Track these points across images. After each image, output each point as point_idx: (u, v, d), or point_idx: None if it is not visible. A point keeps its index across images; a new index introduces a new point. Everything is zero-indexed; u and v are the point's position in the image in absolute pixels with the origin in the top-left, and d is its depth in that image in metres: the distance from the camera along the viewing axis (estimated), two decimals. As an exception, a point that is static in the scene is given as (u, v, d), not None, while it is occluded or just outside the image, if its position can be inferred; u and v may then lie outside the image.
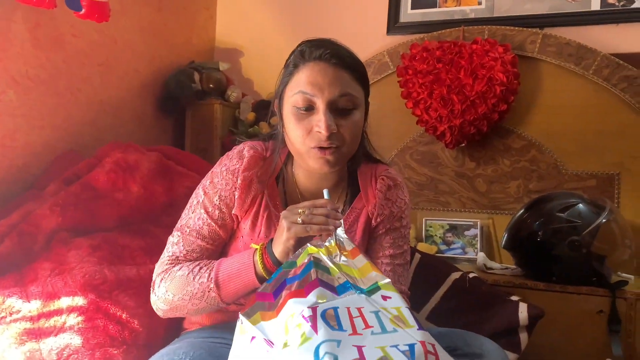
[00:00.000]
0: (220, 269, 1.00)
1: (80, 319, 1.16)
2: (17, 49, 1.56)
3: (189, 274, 1.01)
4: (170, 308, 1.03)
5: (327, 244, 0.89)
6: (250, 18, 2.52)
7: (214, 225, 1.07)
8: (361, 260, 0.87)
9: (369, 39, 2.28)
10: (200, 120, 2.27)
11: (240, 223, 1.09)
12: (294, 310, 0.76)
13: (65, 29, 1.73)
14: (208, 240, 1.07)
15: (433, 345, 0.74)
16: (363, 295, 0.80)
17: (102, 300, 1.19)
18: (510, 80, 1.91)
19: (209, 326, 1.13)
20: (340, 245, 0.89)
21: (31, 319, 1.16)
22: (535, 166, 2.03)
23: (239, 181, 1.06)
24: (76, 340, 1.13)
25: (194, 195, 1.11)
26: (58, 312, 1.17)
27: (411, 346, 0.72)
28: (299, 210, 0.92)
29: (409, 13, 2.26)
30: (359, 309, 0.77)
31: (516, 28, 2.04)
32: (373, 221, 1.13)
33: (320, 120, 0.98)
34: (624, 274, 1.72)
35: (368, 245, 1.15)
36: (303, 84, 1.00)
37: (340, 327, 0.73)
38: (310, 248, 0.88)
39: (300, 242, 0.91)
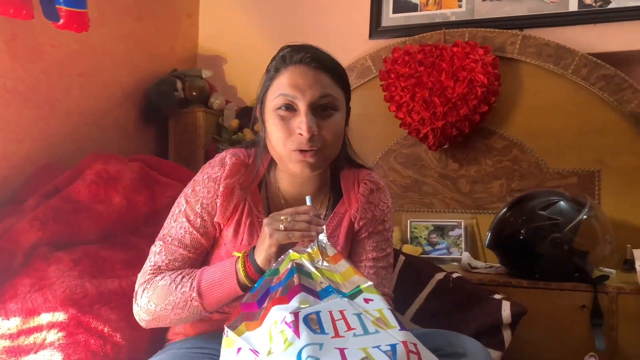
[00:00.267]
0: (203, 278, 0.99)
1: (60, 334, 1.14)
2: (-7, 61, 1.55)
3: (171, 283, 1.01)
4: (152, 318, 1.03)
5: (309, 250, 0.89)
6: (233, 25, 2.52)
7: (196, 233, 1.07)
8: (343, 265, 0.87)
9: (351, 44, 2.29)
10: (183, 129, 2.26)
11: (223, 231, 1.09)
12: (277, 318, 0.76)
13: (44, 39, 1.72)
14: (190, 249, 1.07)
15: (415, 345, 0.75)
16: (345, 298, 0.81)
17: (83, 314, 1.17)
18: (491, 81, 1.93)
19: (192, 336, 1.13)
20: (322, 251, 0.89)
21: (10, 336, 1.15)
22: (517, 165, 2.05)
23: (221, 189, 1.06)
24: (57, 357, 1.12)
25: (176, 203, 1.11)
26: (38, 328, 1.15)
27: (393, 346, 0.72)
28: (282, 217, 0.92)
29: (390, 17, 2.27)
30: (341, 312, 0.77)
31: (496, 30, 2.06)
32: (356, 225, 1.14)
33: (301, 122, 0.98)
34: (605, 269, 1.74)
35: (351, 249, 1.16)
36: (284, 87, 1.00)
37: (322, 331, 0.74)
38: (292, 254, 0.88)
39: (282, 249, 0.92)
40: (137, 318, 1.06)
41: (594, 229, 1.63)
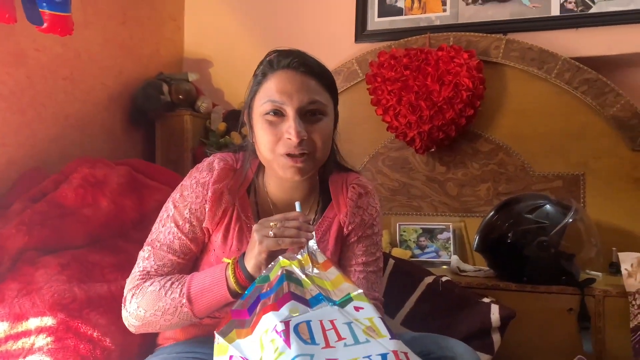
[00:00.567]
0: (192, 284, 0.99)
1: (49, 339, 1.13)
2: (-23, 65, 1.52)
3: (160, 289, 1.00)
4: (142, 324, 1.02)
5: (299, 256, 0.89)
6: (219, 28, 2.52)
7: (184, 239, 1.06)
8: (333, 272, 0.87)
9: (337, 48, 2.30)
10: (170, 132, 2.24)
11: (212, 236, 1.09)
12: (268, 326, 0.76)
13: (27, 43, 1.70)
14: (179, 255, 1.06)
15: (405, 354, 0.75)
16: (336, 306, 0.80)
17: (72, 319, 1.16)
18: (476, 85, 1.95)
19: (182, 341, 1.12)
20: (312, 257, 0.89)
21: (-2, 342, 1.13)
22: (504, 169, 2.07)
23: (209, 194, 1.05)
24: (46, 362, 1.11)
25: (164, 208, 1.10)
26: (26, 333, 1.14)
27: (384, 356, 0.73)
28: (271, 224, 0.92)
29: (376, 21, 2.29)
30: (331, 322, 0.77)
31: (480, 34, 2.09)
32: (345, 229, 1.14)
33: (290, 127, 0.98)
34: (591, 272, 1.76)
35: (341, 254, 1.16)
36: (272, 92, 1.00)
37: (313, 341, 0.74)
38: (282, 261, 0.88)
39: (272, 256, 0.91)
40: (126, 324, 1.05)
41: (579, 232, 1.65)
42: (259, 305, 0.81)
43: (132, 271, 1.07)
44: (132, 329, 1.05)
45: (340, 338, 0.75)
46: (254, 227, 0.94)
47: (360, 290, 0.84)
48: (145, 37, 2.31)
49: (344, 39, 2.30)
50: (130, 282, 1.05)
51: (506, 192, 2.04)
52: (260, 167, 1.13)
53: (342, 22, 2.31)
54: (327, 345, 0.74)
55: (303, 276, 0.85)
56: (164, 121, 2.25)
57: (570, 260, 1.65)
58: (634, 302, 1.53)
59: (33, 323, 1.15)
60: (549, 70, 2.00)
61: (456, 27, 2.15)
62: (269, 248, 0.91)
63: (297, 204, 0.98)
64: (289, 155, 1.00)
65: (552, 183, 2.02)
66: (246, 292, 0.86)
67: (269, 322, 0.76)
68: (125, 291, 1.05)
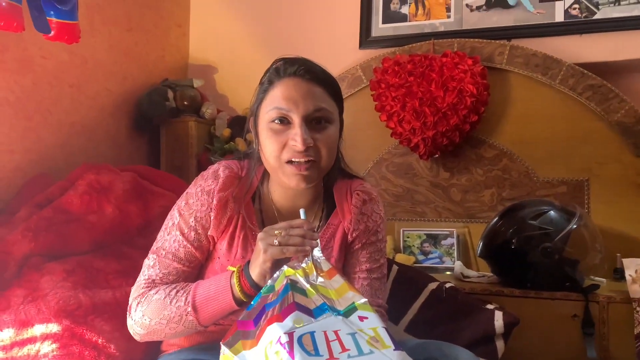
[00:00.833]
0: (197, 293, 0.99)
1: (54, 346, 1.14)
2: (-16, 72, 1.54)
3: (165, 297, 1.00)
4: (147, 332, 1.02)
5: (303, 265, 0.89)
6: (224, 34, 2.53)
7: (190, 247, 1.06)
8: (338, 280, 0.87)
9: (342, 54, 2.31)
10: (175, 138, 2.26)
11: (217, 244, 1.09)
12: (272, 337, 0.76)
13: (34, 50, 1.71)
14: (184, 263, 1.06)
15: None
16: (340, 316, 0.80)
17: (77, 325, 1.17)
18: (480, 91, 1.95)
19: (187, 348, 1.12)
20: (317, 266, 0.89)
21: (4, 348, 1.14)
22: (508, 174, 2.07)
23: (215, 202, 1.06)
24: (51, 369, 1.11)
25: (169, 216, 1.10)
26: (32, 340, 1.15)
27: None
28: (276, 232, 0.92)
29: (380, 27, 2.29)
30: (335, 332, 0.77)
31: (484, 40, 2.09)
32: (349, 236, 1.14)
33: (296, 134, 0.98)
34: (596, 278, 1.76)
35: (345, 261, 1.16)
36: (278, 99, 1.01)
37: (317, 352, 0.74)
38: (287, 270, 0.88)
39: (277, 264, 0.91)
40: (131, 332, 1.05)
41: (583, 238, 1.65)
42: (264, 315, 0.82)
43: (137, 279, 1.07)
44: (137, 338, 1.05)
45: (344, 349, 0.75)
46: (259, 235, 0.94)
47: (365, 300, 0.84)
48: (150, 43, 2.32)
49: (348, 45, 2.31)
50: (135, 291, 1.05)
51: (510, 198, 2.04)
52: (265, 174, 1.13)
53: (346, 28, 2.32)
54: (331, 356, 0.74)
55: (307, 285, 0.85)
56: (169, 127, 2.26)
57: (574, 267, 1.64)
58: (638, 309, 1.52)
59: (38, 330, 1.16)
60: (553, 76, 2.00)
61: (460, 33, 2.16)
62: (273, 256, 0.91)
63: (301, 212, 0.98)
64: (294, 162, 1.00)
65: (556, 189, 2.01)
66: (252, 303, 0.86)
67: (274, 334, 0.76)
68: (130, 299, 1.05)
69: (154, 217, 1.58)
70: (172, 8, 2.47)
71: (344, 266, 1.16)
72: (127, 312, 1.05)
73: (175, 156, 2.25)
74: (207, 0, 2.57)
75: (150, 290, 1.03)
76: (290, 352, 0.73)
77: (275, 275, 0.89)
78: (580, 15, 2.04)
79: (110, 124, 2.09)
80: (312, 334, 0.76)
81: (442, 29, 2.20)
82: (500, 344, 1.44)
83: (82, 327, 1.18)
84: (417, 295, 1.54)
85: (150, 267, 1.06)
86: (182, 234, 1.06)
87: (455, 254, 2.07)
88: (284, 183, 1.04)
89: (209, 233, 1.07)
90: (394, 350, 0.76)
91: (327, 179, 1.15)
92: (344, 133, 1.15)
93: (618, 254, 1.82)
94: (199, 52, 2.58)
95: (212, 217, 1.06)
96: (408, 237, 2.13)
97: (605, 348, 1.57)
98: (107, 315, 1.23)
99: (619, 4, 1.99)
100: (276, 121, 1.01)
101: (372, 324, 0.80)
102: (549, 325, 1.61)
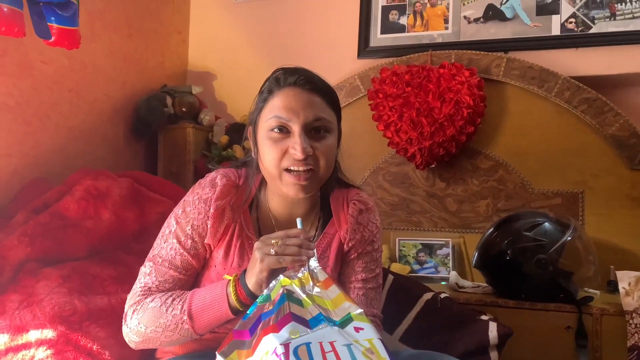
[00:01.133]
0: (193, 301, 0.99)
1: (49, 352, 1.14)
2: (-16, 76, 1.54)
3: (161, 305, 1.00)
4: (142, 340, 1.02)
5: (300, 274, 0.89)
6: (223, 41, 2.54)
7: (186, 255, 1.06)
8: (334, 290, 0.88)
9: (340, 63, 2.32)
10: (173, 145, 2.26)
11: (213, 252, 1.09)
12: (268, 348, 0.76)
13: (34, 55, 1.72)
14: (181, 271, 1.07)
15: None
16: (336, 327, 0.81)
17: (72, 332, 1.17)
18: (476, 103, 1.97)
19: (181, 355, 1.12)
20: (313, 275, 0.89)
21: (-2, 354, 1.14)
22: (503, 185, 2.09)
23: (212, 210, 1.06)
24: (45, 375, 1.11)
25: (165, 224, 1.11)
26: (26, 345, 1.15)
27: None
28: (272, 241, 0.92)
29: (378, 37, 2.31)
30: (331, 343, 0.77)
31: (482, 52, 2.11)
32: (345, 246, 1.14)
33: (296, 143, 0.99)
34: (589, 290, 1.76)
35: (341, 270, 1.16)
36: (278, 108, 1.02)
37: None
38: (283, 280, 0.88)
39: (273, 274, 0.92)
40: (126, 339, 1.05)
41: (578, 250, 1.66)
42: (260, 325, 0.82)
43: (133, 287, 1.07)
44: (132, 345, 1.05)
45: None
46: (256, 244, 0.94)
47: (361, 310, 0.84)
48: (150, 49, 2.33)
49: (346, 55, 2.33)
50: (131, 298, 1.05)
51: (505, 209, 2.05)
52: (263, 183, 1.13)
53: (345, 38, 2.34)
54: None
55: (304, 295, 0.85)
56: (167, 133, 2.27)
57: (568, 278, 1.65)
58: (631, 321, 1.53)
59: (33, 335, 1.16)
60: (549, 89, 2.02)
61: (458, 45, 2.18)
62: (270, 266, 0.91)
63: (298, 221, 0.99)
64: (293, 171, 1.01)
65: (551, 200, 2.03)
66: (248, 312, 0.87)
67: (269, 344, 0.76)
68: (126, 307, 1.05)
69: (150, 223, 1.58)
70: (172, 15, 2.48)
71: (340, 276, 1.16)
72: (123, 320, 1.05)
73: (172, 162, 2.25)
74: (207, 7, 2.59)
75: (146, 298, 1.03)
76: None
77: (271, 285, 0.89)
78: (576, 29, 2.06)
79: (108, 129, 2.10)
80: (307, 345, 0.76)
81: (439, 40, 2.23)
82: (494, 355, 1.44)
83: (77, 333, 1.18)
84: (412, 305, 1.55)
85: (146, 274, 1.06)
86: (179, 241, 1.06)
87: (450, 264, 2.08)
88: (282, 192, 1.05)
89: (205, 241, 1.07)
90: None
91: (324, 188, 1.16)
92: (342, 141, 1.16)
93: (612, 266, 1.82)
94: (198, 59, 2.60)
95: (209, 225, 1.06)
96: (404, 247, 2.14)
97: (598, 360, 1.58)
98: (102, 321, 1.23)
99: (615, 19, 2.01)
100: (276, 130, 1.02)
101: (368, 335, 0.80)
102: (543, 336, 1.62)
